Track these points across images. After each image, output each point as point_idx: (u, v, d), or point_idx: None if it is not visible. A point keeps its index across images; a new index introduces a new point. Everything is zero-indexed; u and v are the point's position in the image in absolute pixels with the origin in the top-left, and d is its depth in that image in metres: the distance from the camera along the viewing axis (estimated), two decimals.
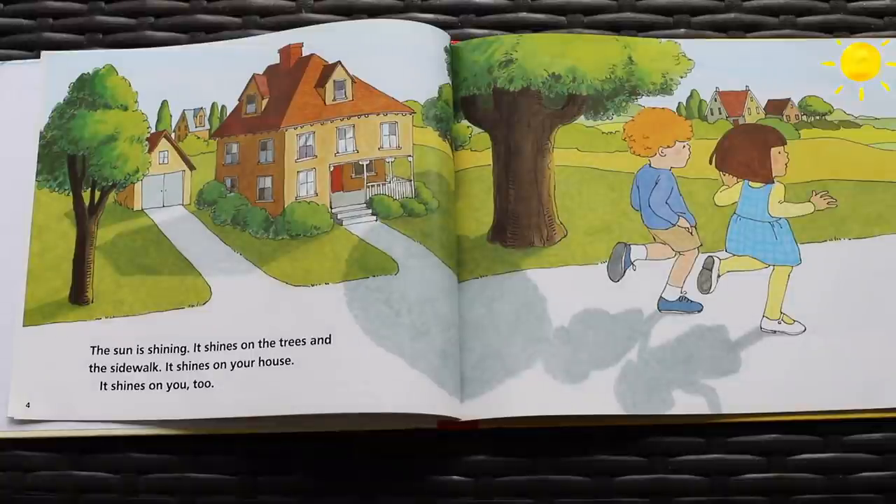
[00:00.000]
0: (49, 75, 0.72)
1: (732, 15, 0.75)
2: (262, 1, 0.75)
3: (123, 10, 0.75)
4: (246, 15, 0.75)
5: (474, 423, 0.64)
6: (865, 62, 0.72)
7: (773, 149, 0.70)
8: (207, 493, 0.65)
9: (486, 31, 0.73)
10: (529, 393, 0.64)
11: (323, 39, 0.71)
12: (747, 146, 0.70)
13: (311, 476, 0.65)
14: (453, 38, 0.71)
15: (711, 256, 0.68)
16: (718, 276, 0.67)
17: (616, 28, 0.74)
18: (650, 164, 0.70)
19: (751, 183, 0.69)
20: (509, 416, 0.63)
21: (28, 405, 0.65)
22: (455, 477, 0.65)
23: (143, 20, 0.75)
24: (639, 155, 0.70)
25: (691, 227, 0.68)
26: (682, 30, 0.74)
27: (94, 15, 0.75)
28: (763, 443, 0.65)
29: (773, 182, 0.69)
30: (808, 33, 0.74)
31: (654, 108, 0.71)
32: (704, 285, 0.67)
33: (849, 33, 0.74)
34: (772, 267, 0.67)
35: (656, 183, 0.69)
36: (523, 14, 0.74)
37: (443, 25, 0.71)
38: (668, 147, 0.70)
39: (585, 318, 0.66)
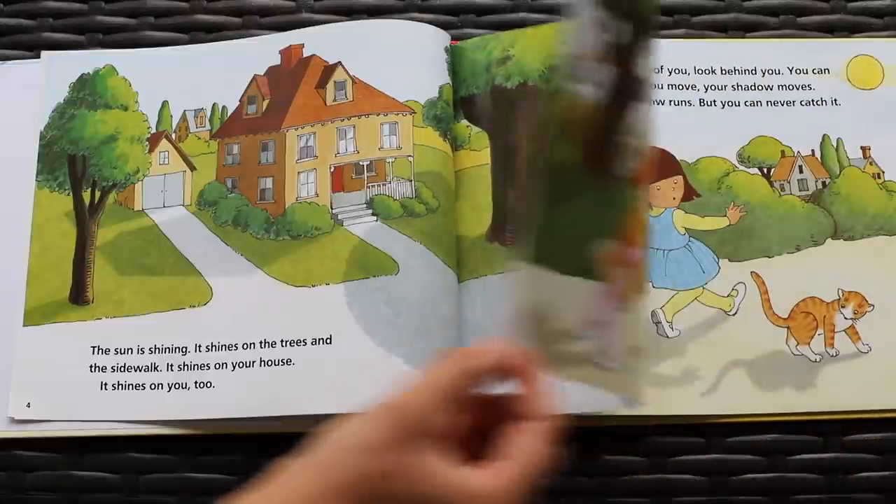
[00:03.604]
0: (49, 75, 0.72)
1: (732, 15, 0.75)
2: (262, 1, 0.75)
3: (123, 10, 0.75)
4: (246, 15, 0.75)
5: None
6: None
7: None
8: (207, 493, 0.65)
9: (485, 31, 0.73)
10: None
11: (323, 40, 0.71)
12: None
13: None
14: (453, 38, 0.71)
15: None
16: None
17: None
18: None
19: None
20: None
21: (28, 405, 0.65)
22: None
23: (143, 20, 0.75)
24: None
25: None
26: (682, 30, 0.74)
27: (94, 15, 0.75)
28: (763, 443, 0.65)
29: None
30: (809, 33, 0.74)
31: None
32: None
33: (849, 33, 0.74)
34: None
35: None
36: (523, 14, 0.74)
37: (443, 25, 0.71)
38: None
39: None
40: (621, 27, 0.48)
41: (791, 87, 0.72)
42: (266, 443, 0.65)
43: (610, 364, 0.51)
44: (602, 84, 0.48)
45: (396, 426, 0.42)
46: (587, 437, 0.65)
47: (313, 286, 0.65)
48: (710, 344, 0.65)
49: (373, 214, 0.66)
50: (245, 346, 0.65)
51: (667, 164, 0.69)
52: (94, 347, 0.66)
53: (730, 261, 0.67)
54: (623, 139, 0.49)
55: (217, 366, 0.65)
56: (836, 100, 0.72)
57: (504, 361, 0.46)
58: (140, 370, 0.65)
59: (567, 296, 0.49)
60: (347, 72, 0.69)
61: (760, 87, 0.72)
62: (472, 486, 0.42)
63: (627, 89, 0.49)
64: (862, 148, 0.70)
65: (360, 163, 0.68)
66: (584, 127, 0.48)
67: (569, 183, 0.48)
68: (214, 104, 0.71)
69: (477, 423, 0.47)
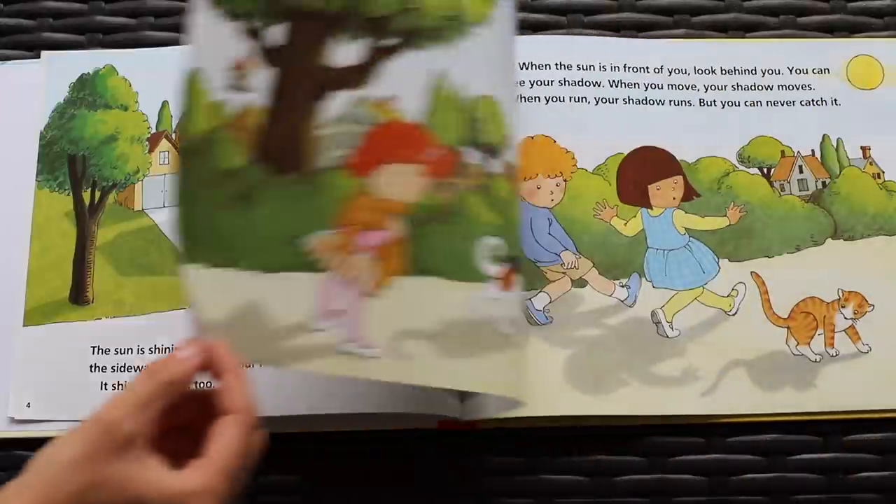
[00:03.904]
0: (49, 75, 0.72)
1: (732, 15, 0.75)
2: None
3: (123, 10, 0.75)
4: None
5: (474, 423, 0.64)
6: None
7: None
8: None
9: None
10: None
11: None
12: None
13: (311, 476, 0.65)
14: None
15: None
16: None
17: (616, 28, 0.74)
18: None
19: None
20: (509, 415, 0.63)
21: (28, 405, 0.65)
22: (455, 477, 0.65)
23: (143, 20, 0.75)
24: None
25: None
26: (682, 30, 0.74)
27: (94, 15, 0.75)
28: (763, 443, 0.65)
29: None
30: (809, 33, 0.74)
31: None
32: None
33: (849, 33, 0.74)
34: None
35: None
36: (523, 14, 0.74)
37: None
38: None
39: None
40: (271, 31, 0.50)
41: (791, 87, 0.72)
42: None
43: (364, 352, 0.51)
44: (258, 88, 0.50)
45: (100, 439, 0.44)
46: (586, 436, 0.65)
47: None
48: (710, 344, 0.65)
49: None
50: None
51: (667, 164, 0.69)
52: (94, 347, 0.66)
53: (730, 261, 0.67)
54: (318, 132, 0.50)
55: None
56: (836, 100, 0.72)
57: (202, 362, 0.48)
58: (140, 370, 0.65)
59: (283, 291, 0.50)
60: None
61: (760, 87, 0.72)
62: (176, 486, 0.44)
63: (306, 85, 0.50)
64: (862, 148, 0.70)
65: None
66: (251, 130, 0.50)
67: (243, 185, 0.49)
68: None
69: (189, 422, 0.48)
